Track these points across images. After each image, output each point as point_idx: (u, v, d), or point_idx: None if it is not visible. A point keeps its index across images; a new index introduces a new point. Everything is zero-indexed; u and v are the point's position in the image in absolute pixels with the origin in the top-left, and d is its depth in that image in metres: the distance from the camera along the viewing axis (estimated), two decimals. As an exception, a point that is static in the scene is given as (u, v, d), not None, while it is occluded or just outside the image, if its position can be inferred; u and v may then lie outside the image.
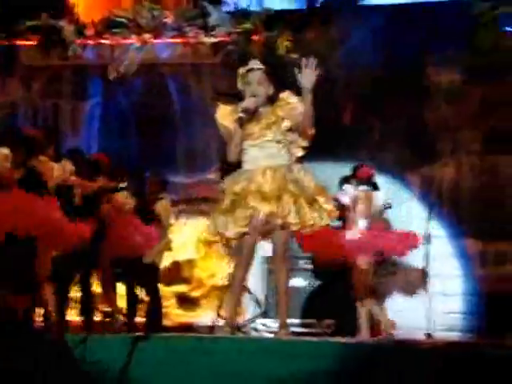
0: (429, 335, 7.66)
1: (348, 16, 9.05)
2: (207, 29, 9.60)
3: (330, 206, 5.08)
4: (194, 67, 9.86)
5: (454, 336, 8.28)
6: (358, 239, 7.09)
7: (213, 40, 9.59)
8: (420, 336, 7.71)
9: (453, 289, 8.92)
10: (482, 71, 8.98)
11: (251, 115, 5.06)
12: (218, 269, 9.43)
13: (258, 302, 8.13)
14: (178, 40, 9.76)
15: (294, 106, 5.13)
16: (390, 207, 7.41)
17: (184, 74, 9.90)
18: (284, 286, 5.07)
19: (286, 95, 5.19)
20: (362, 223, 7.21)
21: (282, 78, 8.94)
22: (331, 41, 8.98)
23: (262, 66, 5.21)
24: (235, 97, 5.34)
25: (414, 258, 8.24)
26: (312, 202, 5.00)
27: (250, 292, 8.21)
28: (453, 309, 8.79)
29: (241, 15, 9.49)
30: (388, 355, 3.78)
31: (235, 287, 5.15)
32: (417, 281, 7.71)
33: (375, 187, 7.34)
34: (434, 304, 7.84)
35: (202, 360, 3.85)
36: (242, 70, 5.21)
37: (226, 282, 8.22)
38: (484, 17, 9.02)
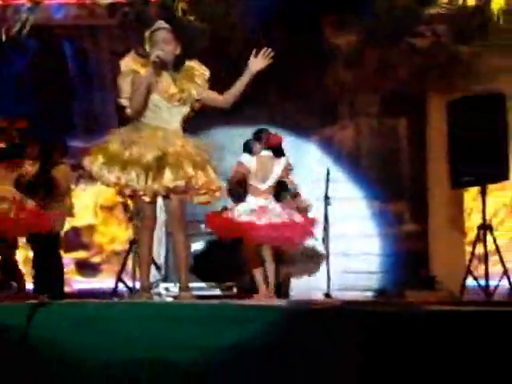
0: (327, 295, 7.77)
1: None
2: (103, -10, 9.40)
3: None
4: (89, 29, 9.64)
5: (354, 295, 8.42)
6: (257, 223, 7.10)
7: (109, 1, 9.39)
8: (319, 296, 7.83)
9: (353, 249, 9.07)
10: (380, 33, 9.07)
11: (163, 65, 5.03)
12: (118, 233, 9.35)
13: (157, 266, 8.08)
14: (73, 1, 9.51)
15: (206, 75, 5.21)
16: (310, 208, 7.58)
17: (80, 35, 9.67)
18: (183, 248, 5.05)
19: (198, 64, 5.24)
20: (262, 187, 7.20)
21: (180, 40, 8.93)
22: (227, 2, 8.91)
23: (167, 26, 5.18)
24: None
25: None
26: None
27: None
28: (354, 268, 8.95)
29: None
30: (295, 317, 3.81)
31: (144, 251, 5.12)
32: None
33: (281, 153, 7.30)
34: (334, 264, 7.96)
35: (105, 327, 3.79)
36: (147, 32, 5.16)
37: (127, 247, 8.14)
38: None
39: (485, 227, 7.51)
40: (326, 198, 7.97)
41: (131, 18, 9.19)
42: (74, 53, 9.67)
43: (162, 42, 5.09)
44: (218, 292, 8.02)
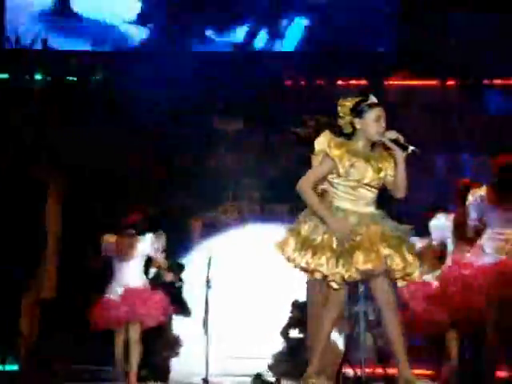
0: (205, 381, 7.69)
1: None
2: None
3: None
4: None
5: (232, 381, 8.36)
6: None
7: None
8: (197, 381, 7.75)
9: (230, 334, 9.02)
10: (264, 121, 9.25)
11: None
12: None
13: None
14: None
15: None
16: None
17: None
18: (397, 331, 4.69)
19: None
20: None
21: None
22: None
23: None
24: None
25: (196, 302, 8.31)
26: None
27: None
28: (233, 354, 8.88)
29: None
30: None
31: (324, 336, 4.85)
32: None
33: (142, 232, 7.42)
34: (212, 349, 7.90)
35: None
36: (351, 103, 4.83)
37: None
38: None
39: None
40: (207, 282, 8.00)
41: None
42: None
43: (383, 120, 4.77)
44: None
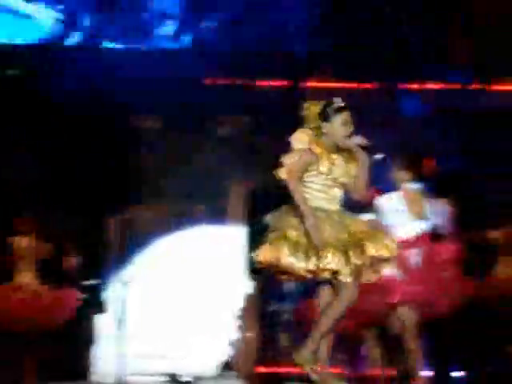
0: (119, 380, 7.67)
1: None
2: None
3: None
4: None
5: (146, 380, 8.33)
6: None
7: None
8: (111, 381, 7.72)
9: (146, 333, 8.98)
10: (184, 120, 9.24)
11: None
12: None
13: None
14: None
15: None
16: None
17: None
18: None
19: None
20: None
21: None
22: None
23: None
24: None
25: (113, 301, 8.28)
26: None
27: None
28: (146, 353, 8.84)
29: None
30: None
31: (325, 330, 4.64)
32: None
33: None
34: (127, 348, 7.89)
35: None
36: (325, 107, 4.76)
37: None
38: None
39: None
40: (125, 281, 8.01)
41: None
42: None
43: (350, 123, 4.75)
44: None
